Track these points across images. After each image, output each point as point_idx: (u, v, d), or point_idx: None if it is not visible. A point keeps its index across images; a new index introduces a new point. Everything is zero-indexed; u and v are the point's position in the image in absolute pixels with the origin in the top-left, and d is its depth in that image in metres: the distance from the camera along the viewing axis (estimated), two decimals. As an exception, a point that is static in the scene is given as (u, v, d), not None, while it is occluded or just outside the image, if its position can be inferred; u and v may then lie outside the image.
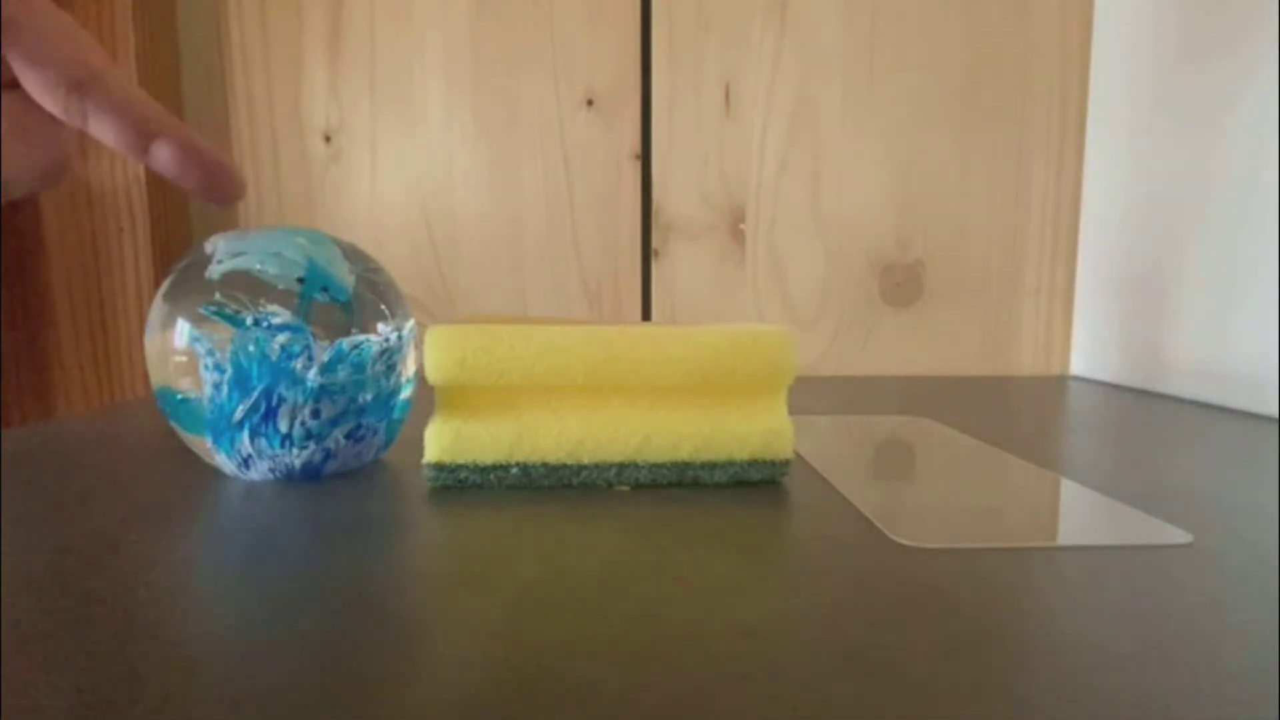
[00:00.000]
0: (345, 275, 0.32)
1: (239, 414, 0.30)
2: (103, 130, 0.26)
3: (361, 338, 0.31)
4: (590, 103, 0.64)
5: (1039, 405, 0.52)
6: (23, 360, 0.60)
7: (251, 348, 0.30)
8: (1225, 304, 0.51)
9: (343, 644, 0.18)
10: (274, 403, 0.30)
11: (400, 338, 0.33)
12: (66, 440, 0.40)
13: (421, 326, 0.62)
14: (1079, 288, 0.67)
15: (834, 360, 0.68)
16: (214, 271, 0.30)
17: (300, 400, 0.30)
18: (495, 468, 0.31)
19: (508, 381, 0.30)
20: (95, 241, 0.59)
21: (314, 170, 0.65)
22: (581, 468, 0.31)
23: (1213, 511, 0.28)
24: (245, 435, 0.31)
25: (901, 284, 0.67)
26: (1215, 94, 0.51)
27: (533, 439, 0.31)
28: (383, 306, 0.33)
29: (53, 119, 0.27)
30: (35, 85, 0.26)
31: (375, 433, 0.33)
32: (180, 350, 0.30)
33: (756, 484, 0.32)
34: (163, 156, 0.27)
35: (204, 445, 0.31)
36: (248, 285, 0.30)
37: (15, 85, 0.26)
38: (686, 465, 0.31)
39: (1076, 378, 0.66)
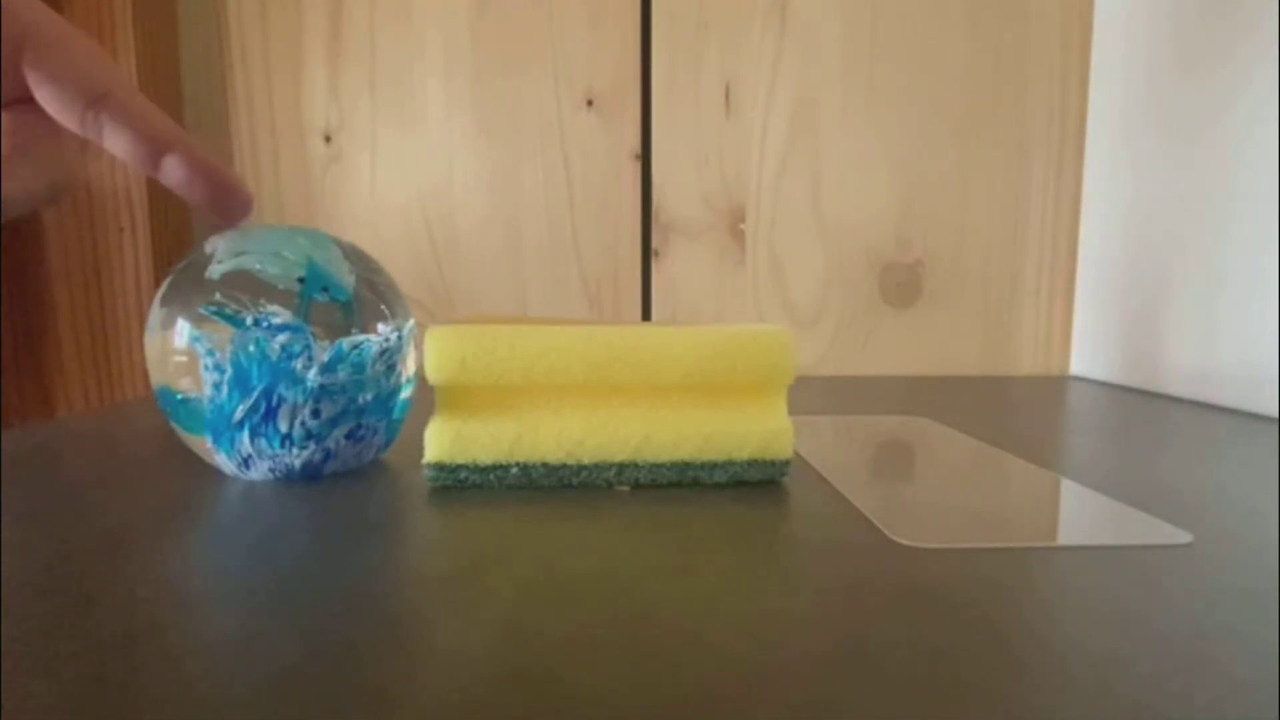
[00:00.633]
0: (345, 275, 0.32)
1: (239, 414, 0.30)
2: (116, 144, 0.27)
3: (361, 338, 0.31)
4: (590, 103, 0.64)
5: (1039, 405, 0.52)
6: (23, 360, 0.60)
7: (251, 348, 0.30)
8: (1225, 304, 0.51)
9: (343, 644, 0.18)
10: (274, 403, 0.30)
11: (400, 338, 0.33)
12: (66, 440, 0.40)
13: (421, 327, 0.62)
14: (1079, 288, 0.67)
15: (834, 360, 0.68)
16: (214, 271, 0.30)
17: (300, 400, 0.30)
18: (495, 468, 0.31)
19: (508, 381, 0.30)
20: (95, 241, 0.59)
21: (314, 170, 0.65)
22: (581, 468, 0.31)
23: (1213, 511, 0.28)
24: (245, 435, 0.31)
25: (901, 284, 0.67)
26: (1214, 96, 0.51)
27: (533, 439, 0.31)
28: (383, 306, 0.33)
29: (55, 137, 0.27)
30: (53, 100, 0.26)
31: (375, 433, 0.33)
32: (180, 350, 0.30)
33: (756, 484, 0.32)
34: (173, 171, 0.28)
35: (204, 445, 0.31)
36: (248, 285, 0.30)
37: (14, 103, 0.27)
38: (686, 465, 0.31)
39: (1076, 378, 0.66)
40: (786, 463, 0.32)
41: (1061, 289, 0.68)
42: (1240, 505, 0.29)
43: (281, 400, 0.30)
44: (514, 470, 0.31)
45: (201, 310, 0.30)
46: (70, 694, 0.16)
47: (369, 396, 0.32)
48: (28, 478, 0.33)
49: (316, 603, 0.20)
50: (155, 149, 0.27)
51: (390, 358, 0.32)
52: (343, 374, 0.31)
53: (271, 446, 0.31)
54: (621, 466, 0.31)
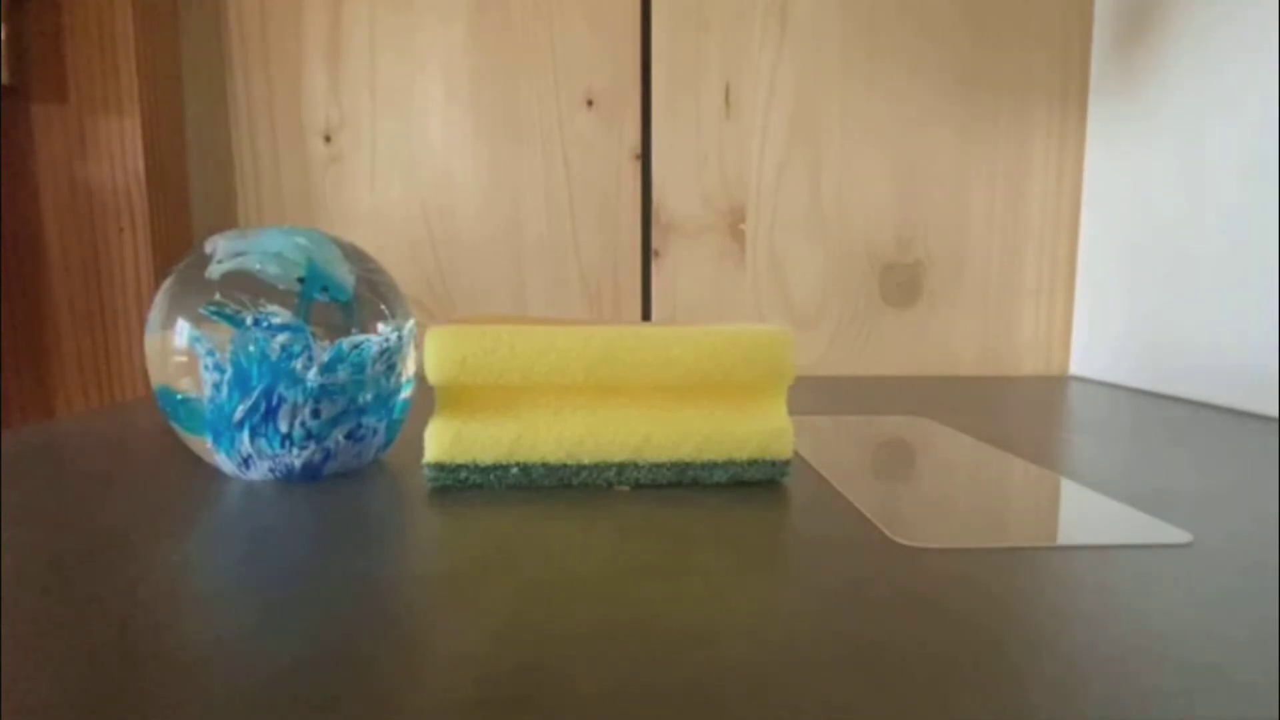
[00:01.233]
0: (345, 275, 0.32)
1: (239, 414, 0.30)
2: None
3: (361, 338, 0.31)
4: (590, 103, 0.64)
5: (1039, 405, 0.52)
6: (23, 360, 0.60)
7: (251, 348, 0.30)
8: (1224, 304, 0.51)
9: (342, 644, 0.18)
10: (274, 403, 0.30)
11: (400, 338, 0.33)
12: (66, 440, 0.40)
13: (421, 326, 0.62)
14: (1079, 288, 0.67)
15: (834, 360, 0.68)
16: (214, 271, 0.30)
17: (300, 400, 0.30)
18: (495, 468, 0.31)
19: (508, 381, 0.30)
20: (95, 241, 0.59)
21: (314, 170, 0.65)
22: (581, 468, 0.31)
23: (1213, 511, 0.28)
24: (245, 435, 0.31)
25: (901, 284, 0.67)
26: (1215, 94, 0.51)
27: (533, 439, 0.31)
28: (383, 306, 0.33)
29: None
30: None
31: (375, 433, 0.33)
32: (180, 350, 0.30)
33: (756, 484, 0.32)
34: None
35: (204, 445, 0.31)
36: (248, 285, 0.30)
37: None
38: (686, 465, 0.31)
39: (1076, 378, 0.66)
40: (786, 463, 0.32)
41: (1061, 289, 0.68)
42: (1240, 505, 0.29)
43: (281, 400, 0.30)
44: (514, 470, 0.31)
45: (202, 310, 0.30)
46: (70, 694, 0.16)
47: (369, 396, 0.32)
48: (28, 478, 0.33)
49: (316, 602, 0.20)
50: None
51: (390, 358, 0.32)
52: (343, 374, 0.31)
53: (271, 446, 0.31)
54: (621, 466, 0.31)
